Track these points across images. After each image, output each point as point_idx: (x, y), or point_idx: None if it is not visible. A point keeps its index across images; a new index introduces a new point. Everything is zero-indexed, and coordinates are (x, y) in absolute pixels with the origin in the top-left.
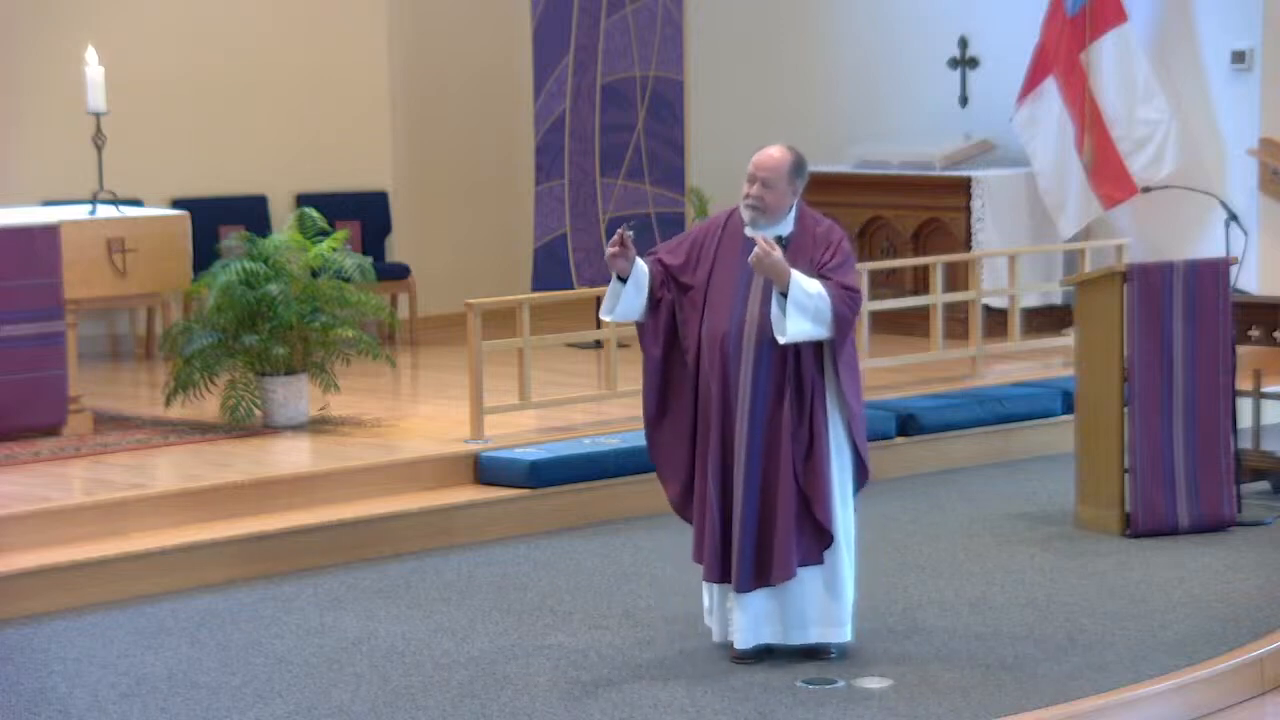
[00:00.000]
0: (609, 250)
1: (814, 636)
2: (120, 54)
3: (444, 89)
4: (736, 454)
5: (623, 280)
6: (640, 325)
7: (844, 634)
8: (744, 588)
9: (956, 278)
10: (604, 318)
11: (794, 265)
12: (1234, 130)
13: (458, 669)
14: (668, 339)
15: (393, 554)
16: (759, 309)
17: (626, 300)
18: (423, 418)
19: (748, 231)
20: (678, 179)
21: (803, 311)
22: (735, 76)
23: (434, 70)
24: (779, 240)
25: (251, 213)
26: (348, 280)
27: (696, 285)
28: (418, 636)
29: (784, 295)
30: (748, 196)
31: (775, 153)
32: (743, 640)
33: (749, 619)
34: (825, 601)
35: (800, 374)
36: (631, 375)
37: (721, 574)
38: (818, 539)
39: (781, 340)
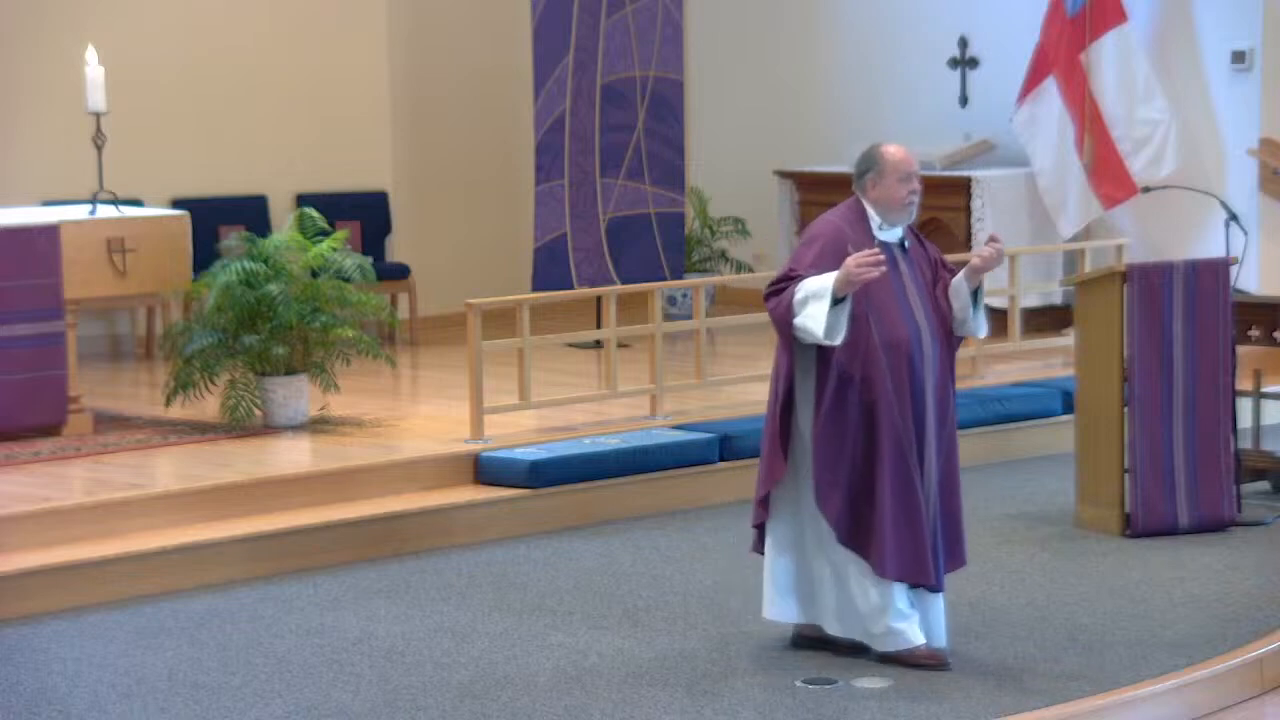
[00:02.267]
0: (873, 270)
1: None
2: (120, 54)
3: (444, 89)
4: (926, 455)
5: (839, 301)
6: (828, 348)
7: None
8: (943, 585)
9: None
10: (833, 341)
11: (917, 263)
12: (1234, 130)
13: (458, 669)
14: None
15: (393, 554)
16: (922, 312)
17: (844, 319)
18: (423, 418)
19: (880, 235)
20: (678, 179)
21: (984, 307)
22: (735, 76)
23: (434, 70)
24: (901, 239)
25: (251, 213)
26: (348, 280)
27: (848, 296)
28: (418, 636)
29: (972, 293)
30: (913, 193)
31: (909, 153)
32: (942, 636)
33: (942, 616)
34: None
35: (953, 369)
36: (631, 375)
37: (936, 577)
38: None
39: (980, 335)
